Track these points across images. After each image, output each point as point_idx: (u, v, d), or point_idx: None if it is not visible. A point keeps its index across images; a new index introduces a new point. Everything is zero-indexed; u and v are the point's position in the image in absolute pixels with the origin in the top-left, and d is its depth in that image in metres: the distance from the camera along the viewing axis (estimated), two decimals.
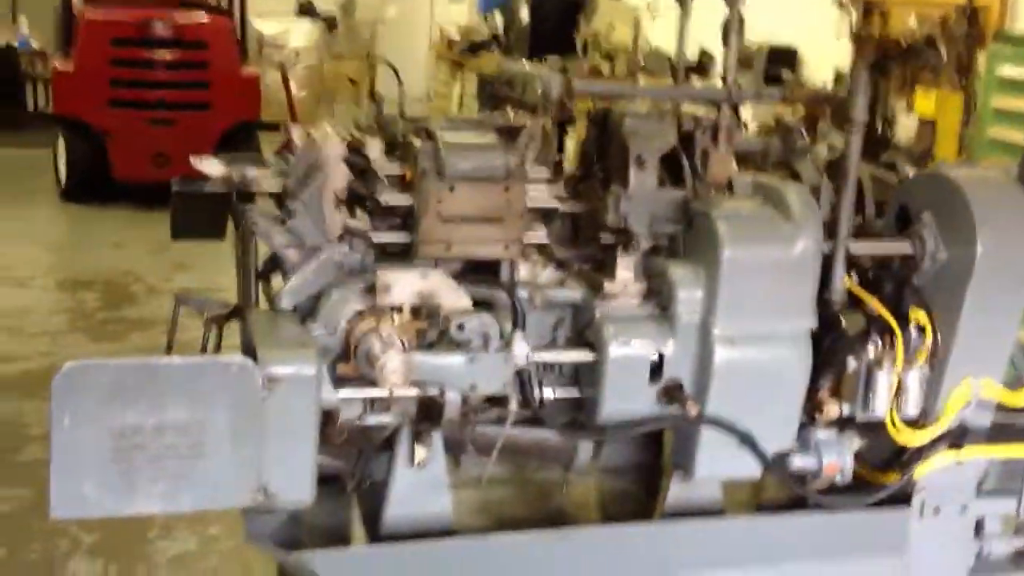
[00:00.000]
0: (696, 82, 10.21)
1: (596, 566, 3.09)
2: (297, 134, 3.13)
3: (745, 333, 2.97)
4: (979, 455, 3.24)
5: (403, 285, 2.78)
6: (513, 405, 2.87)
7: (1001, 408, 3.22)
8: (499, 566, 3.04)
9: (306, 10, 17.20)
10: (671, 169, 3.24)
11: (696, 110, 3.47)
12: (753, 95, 3.17)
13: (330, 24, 17.20)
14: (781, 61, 9.49)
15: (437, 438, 3.04)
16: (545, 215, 3.37)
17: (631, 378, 2.98)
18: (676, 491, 3.20)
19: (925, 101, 7.65)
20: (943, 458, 3.21)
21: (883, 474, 3.26)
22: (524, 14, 13.53)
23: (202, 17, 10.38)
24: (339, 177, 2.92)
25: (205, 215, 3.23)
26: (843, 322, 3.04)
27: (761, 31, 9.56)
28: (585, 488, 3.60)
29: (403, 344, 2.79)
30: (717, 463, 3.07)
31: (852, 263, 3.23)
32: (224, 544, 4.46)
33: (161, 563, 4.33)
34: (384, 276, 2.77)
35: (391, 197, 3.01)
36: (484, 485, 3.56)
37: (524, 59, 13.03)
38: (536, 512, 3.47)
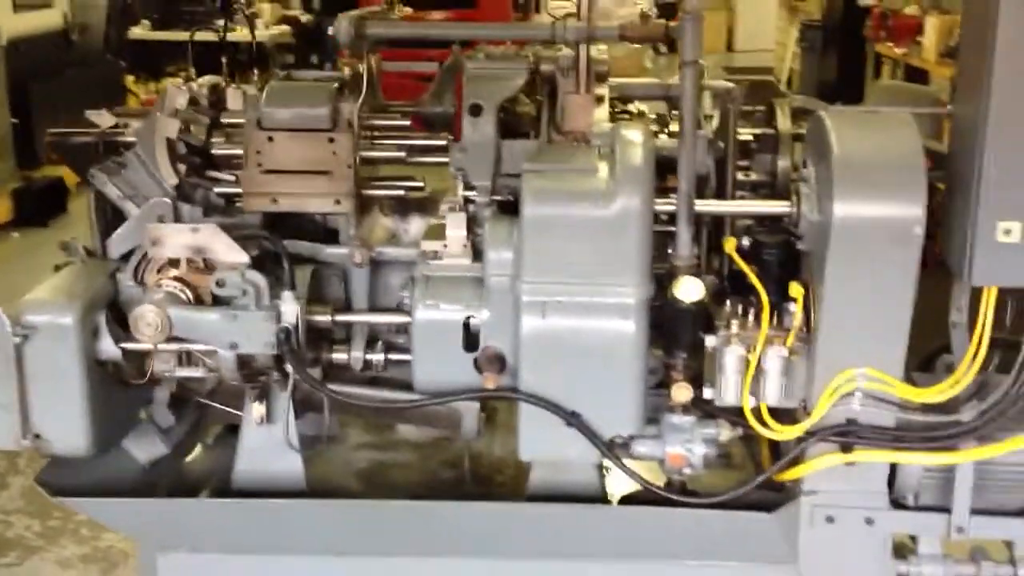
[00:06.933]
0: None
1: (410, 540, 2.91)
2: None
3: (558, 301, 2.64)
4: (876, 459, 2.67)
5: (174, 239, 2.74)
6: (288, 367, 2.74)
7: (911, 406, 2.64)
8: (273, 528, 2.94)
9: None
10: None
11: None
12: (581, 32, 2.76)
13: None
14: None
15: (282, 397, 2.99)
16: None
17: (441, 344, 2.76)
18: (544, 473, 2.92)
19: None
20: (828, 460, 2.68)
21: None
22: None
23: None
24: (169, 128, 2.92)
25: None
26: (675, 292, 2.61)
27: None
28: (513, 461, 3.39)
29: (191, 298, 2.76)
30: (544, 443, 2.76)
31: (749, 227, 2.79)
32: None
33: None
34: (155, 229, 2.75)
35: (221, 148, 2.97)
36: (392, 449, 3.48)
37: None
38: (424, 479, 3.31)
